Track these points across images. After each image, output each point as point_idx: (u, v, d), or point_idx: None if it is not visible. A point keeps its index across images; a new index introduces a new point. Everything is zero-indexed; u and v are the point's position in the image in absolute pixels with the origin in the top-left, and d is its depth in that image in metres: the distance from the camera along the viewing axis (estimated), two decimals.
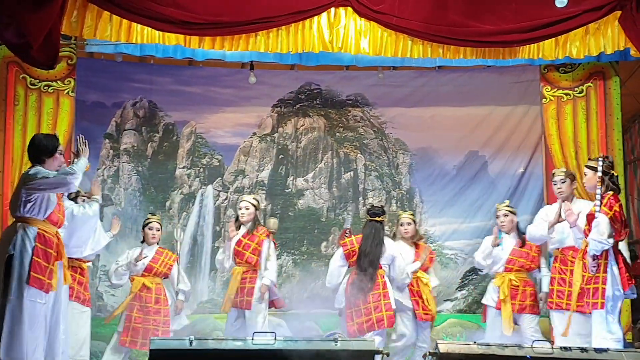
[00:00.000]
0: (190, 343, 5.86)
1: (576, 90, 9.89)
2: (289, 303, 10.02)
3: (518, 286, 8.28)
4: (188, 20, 7.81)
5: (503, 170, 10.34)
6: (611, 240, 6.95)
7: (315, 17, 8.17)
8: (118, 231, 8.49)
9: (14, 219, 6.53)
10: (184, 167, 10.29)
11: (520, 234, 8.47)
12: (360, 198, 10.56)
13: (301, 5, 8.03)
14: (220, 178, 10.41)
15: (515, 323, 8.22)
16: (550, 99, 9.95)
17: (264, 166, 10.49)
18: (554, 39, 8.46)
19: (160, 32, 8.07)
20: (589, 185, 7.49)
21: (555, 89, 9.96)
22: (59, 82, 9.27)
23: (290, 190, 10.50)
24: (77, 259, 7.77)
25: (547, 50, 8.55)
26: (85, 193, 7.93)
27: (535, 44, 8.52)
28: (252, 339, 5.97)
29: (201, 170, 10.35)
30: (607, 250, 6.97)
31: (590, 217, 7.07)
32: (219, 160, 10.41)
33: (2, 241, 6.47)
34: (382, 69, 10.11)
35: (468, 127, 10.47)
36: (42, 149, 6.52)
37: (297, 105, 10.56)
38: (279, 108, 10.53)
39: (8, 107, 9.06)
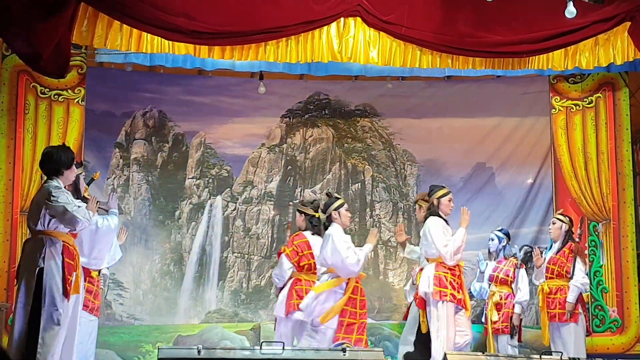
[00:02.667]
0: (199, 352, 5.86)
1: (585, 101, 9.91)
2: None
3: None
4: (198, 30, 7.81)
5: (511, 181, 10.33)
6: None
7: (325, 27, 8.17)
8: (124, 241, 8.48)
9: (36, 232, 6.46)
10: (193, 178, 10.29)
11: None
12: (368, 209, 10.55)
13: (311, 15, 8.03)
14: (229, 189, 10.41)
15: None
16: (560, 110, 9.96)
17: (272, 177, 10.50)
18: (563, 49, 8.45)
19: (170, 42, 8.07)
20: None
21: (565, 100, 9.97)
22: (69, 91, 9.32)
23: (298, 201, 10.49)
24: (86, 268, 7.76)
25: (557, 60, 8.54)
26: (101, 205, 7.90)
27: (545, 55, 8.51)
28: (261, 349, 5.96)
29: (210, 180, 10.36)
30: None
31: None
32: (228, 171, 10.42)
33: (29, 255, 6.45)
34: (391, 79, 10.11)
35: (476, 138, 10.47)
36: (61, 162, 6.51)
37: (306, 116, 10.57)
38: (287, 118, 10.54)
39: (18, 115, 9.11)
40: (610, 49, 8.48)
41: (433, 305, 7.76)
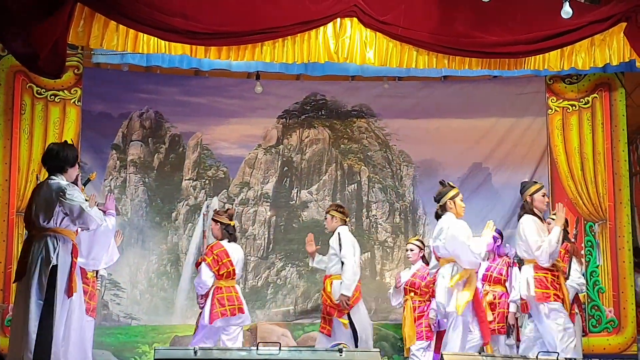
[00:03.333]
0: (195, 353, 5.85)
1: (582, 102, 9.93)
2: (294, 313, 10.04)
3: None
4: (194, 30, 7.81)
5: (507, 181, 10.31)
6: None
7: (321, 28, 8.17)
8: (120, 243, 8.46)
9: (45, 229, 6.42)
10: (189, 179, 10.29)
11: None
12: (364, 210, 10.55)
13: (307, 15, 8.03)
14: (225, 190, 10.41)
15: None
16: (556, 110, 9.98)
17: (268, 178, 10.50)
18: (559, 50, 8.46)
19: (167, 42, 8.07)
20: None
21: (561, 100, 9.99)
22: (65, 91, 9.32)
23: (294, 202, 10.50)
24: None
25: (553, 61, 8.54)
26: (99, 206, 7.90)
27: (541, 55, 8.52)
28: (257, 349, 5.95)
29: (207, 182, 10.36)
30: None
31: None
32: (224, 172, 10.42)
33: (40, 251, 6.38)
34: (388, 80, 10.11)
35: (472, 139, 10.47)
36: (65, 159, 6.49)
37: (302, 116, 10.57)
38: (284, 119, 10.54)
39: (15, 116, 9.12)
40: (606, 50, 8.49)
41: (538, 308, 7.53)
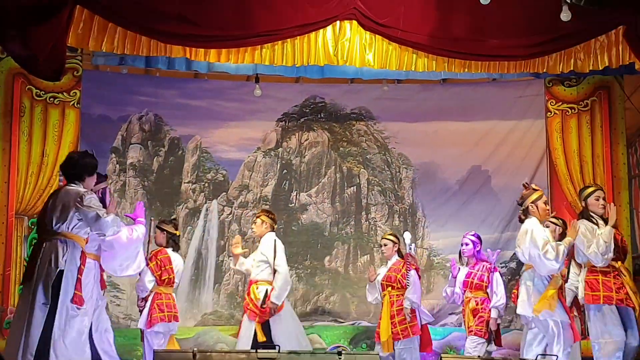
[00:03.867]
0: (194, 355, 5.86)
1: (581, 104, 9.93)
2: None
3: None
4: (194, 33, 7.81)
5: (506, 184, 10.31)
6: None
7: (321, 30, 8.17)
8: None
9: (56, 233, 6.40)
10: (189, 182, 10.30)
11: None
12: (363, 213, 10.55)
13: (306, 18, 8.03)
14: (224, 193, 10.41)
15: None
16: (555, 113, 9.98)
17: (267, 181, 10.50)
18: (558, 53, 8.45)
19: (166, 45, 8.07)
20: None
21: (560, 103, 10.00)
22: (64, 93, 9.33)
23: (293, 205, 10.50)
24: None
25: (552, 64, 8.52)
26: (129, 214, 7.90)
27: (540, 58, 8.51)
28: (256, 352, 5.96)
29: (206, 185, 10.36)
30: None
31: None
32: (224, 175, 10.43)
33: (48, 255, 6.36)
34: (387, 82, 10.11)
35: (471, 141, 10.48)
36: (84, 168, 6.52)
37: (302, 119, 10.58)
38: (283, 122, 10.55)
39: (14, 118, 9.13)
40: (605, 53, 8.47)
41: (589, 310, 7.50)
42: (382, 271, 8.76)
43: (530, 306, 7.21)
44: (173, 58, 8.56)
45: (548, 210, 7.45)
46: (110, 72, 9.66)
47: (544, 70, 8.69)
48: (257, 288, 8.44)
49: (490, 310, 8.35)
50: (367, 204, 10.60)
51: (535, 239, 7.09)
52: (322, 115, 10.60)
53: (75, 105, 9.35)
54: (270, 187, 10.50)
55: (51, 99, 9.29)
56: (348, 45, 8.25)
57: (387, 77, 9.83)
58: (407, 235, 8.73)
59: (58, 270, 6.27)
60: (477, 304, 8.37)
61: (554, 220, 8.45)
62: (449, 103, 10.44)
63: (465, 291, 8.46)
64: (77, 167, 6.53)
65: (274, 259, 8.46)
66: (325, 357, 6.19)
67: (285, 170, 10.56)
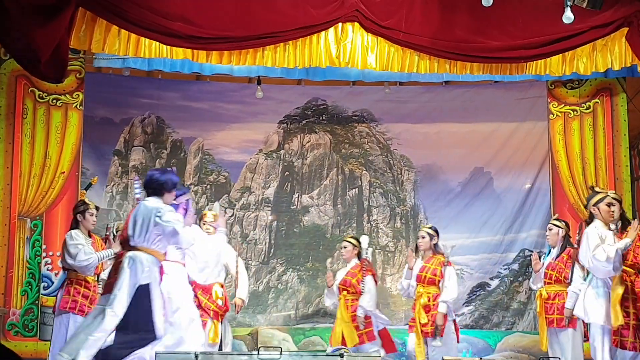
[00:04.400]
0: (196, 357, 5.84)
1: (583, 106, 9.93)
2: (295, 318, 10.03)
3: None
4: (196, 35, 7.80)
5: (509, 186, 10.34)
6: None
7: (323, 33, 8.16)
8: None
9: (137, 248, 6.41)
10: (191, 184, 10.30)
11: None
12: (365, 215, 10.55)
13: (308, 20, 8.03)
14: (226, 195, 10.42)
15: None
16: (557, 115, 9.98)
17: (269, 183, 10.51)
18: (561, 55, 8.45)
19: (168, 47, 8.08)
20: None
21: (562, 105, 9.99)
22: (67, 95, 9.34)
23: (295, 206, 10.51)
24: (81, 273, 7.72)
25: (554, 66, 8.53)
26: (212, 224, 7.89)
27: (543, 60, 8.51)
28: (258, 354, 5.94)
29: (208, 187, 10.37)
30: None
31: None
32: (226, 177, 10.43)
33: (128, 268, 6.39)
34: (389, 84, 10.12)
35: (473, 143, 10.48)
36: (163, 184, 6.59)
37: (303, 121, 10.59)
38: (285, 124, 10.56)
39: (17, 120, 9.14)
40: (608, 55, 8.47)
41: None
42: (340, 275, 8.62)
43: (592, 310, 7.14)
44: (175, 60, 8.56)
45: (611, 212, 7.18)
46: (113, 74, 9.68)
47: (546, 72, 8.69)
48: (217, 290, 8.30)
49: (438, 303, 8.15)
50: (368, 206, 10.60)
51: (588, 241, 7.01)
52: (324, 117, 10.61)
53: (78, 107, 9.36)
54: (272, 189, 10.51)
55: (54, 101, 9.31)
56: (350, 48, 8.23)
57: (389, 79, 9.85)
58: (365, 239, 8.49)
59: (138, 285, 6.30)
60: (429, 300, 8.06)
61: (556, 222, 8.43)
62: (451, 105, 10.45)
63: (417, 285, 8.27)
64: (157, 183, 6.59)
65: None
66: (328, 359, 6.18)
67: (287, 172, 10.57)
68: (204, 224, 7.84)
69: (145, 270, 6.31)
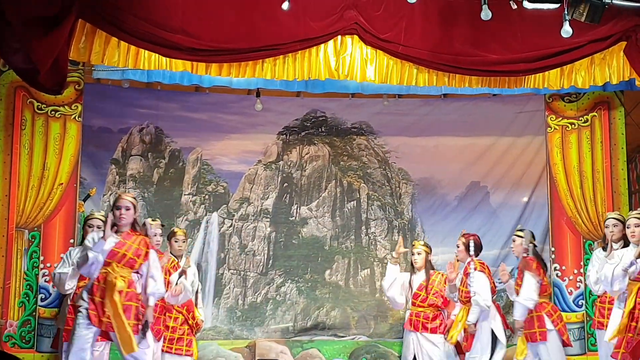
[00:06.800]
0: None
1: (581, 120, 9.95)
2: (293, 330, 10.00)
3: None
4: (195, 47, 7.81)
5: (505, 200, 10.34)
6: None
7: (322, 45, 8.17)
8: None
9: None
10: (189, 194, 10.29)
11: None
12: (363, 227, 10.54)
13: (308, 33, 8.03)
14: (225, 205, 10.41)
15: None
16: (555, 128, 9.99)
17: (268, 194, 10.50)
18: (559, 68, 8.47)
19: (167, 59, 8.08)
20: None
21: (560, 119, 10.01)
22: (66, 107, 9.34)
23: (294, 218, 10.49)
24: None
25: (553, 79, 8.56)
26: None
27: (541, 74, 8.53)
28: None
29: (206, 197, 10.36)
30: None
31: None
32: (224, 187, 10.42)
33: None
34: (387, 97, 10.13)
35: (471, 157, 10.49)
36: None
37: (302, 133, 10.59)
38: (284, 136, 10.56)
39: (15, 131, 9.13)
40: (606, 68, 8.50)
41: None
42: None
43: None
44: (174, 72, 8.57)
45: (633, 232, 7.36)
46: (112, 85, 9.67)
47: (545, 86, 8.71)
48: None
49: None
50: (367, 218, 10.59)
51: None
52: (322, 129, 10.61)
53: (77, 118, 9.36)
54: (270, 200, 10.49)
55: (52, 112, 9.31)
56: (349, 60, 8.25)
57: (388, 92, 9.87)
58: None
59: None
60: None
61: (519, 233, 8.38)
62: (450, 118, 10.46)
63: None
64: None
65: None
66: None
67: (285, 184, 10.56)
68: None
69: None
